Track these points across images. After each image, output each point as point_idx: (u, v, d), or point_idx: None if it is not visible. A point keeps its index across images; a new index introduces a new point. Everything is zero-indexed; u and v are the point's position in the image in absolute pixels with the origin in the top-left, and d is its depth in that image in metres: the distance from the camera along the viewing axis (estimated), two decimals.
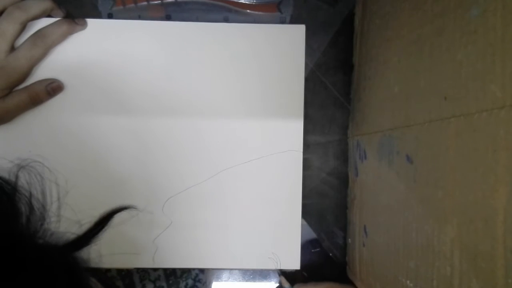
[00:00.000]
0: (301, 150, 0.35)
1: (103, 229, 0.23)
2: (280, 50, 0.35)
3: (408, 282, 0.24)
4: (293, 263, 0.35)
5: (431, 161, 0.22)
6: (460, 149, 0.19)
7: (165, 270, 0.36)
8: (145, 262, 0.35)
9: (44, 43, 0.32)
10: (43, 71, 0.33)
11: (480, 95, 0.17)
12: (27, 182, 0.20)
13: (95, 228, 0.22)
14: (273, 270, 0.36)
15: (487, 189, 0.17)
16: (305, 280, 0.35)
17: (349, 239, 0.36)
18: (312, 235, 0.37)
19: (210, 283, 0.37)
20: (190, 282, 0.37)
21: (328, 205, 0.37)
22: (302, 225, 0.35)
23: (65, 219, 0.35)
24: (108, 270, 0.36)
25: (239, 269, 0.36)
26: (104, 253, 0.34)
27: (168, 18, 0.35)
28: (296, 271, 0.35)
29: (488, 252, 0.17)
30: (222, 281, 0.37)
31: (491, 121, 0.17)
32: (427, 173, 0.22)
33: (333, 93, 0.36)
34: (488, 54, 0.17)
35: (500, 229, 0.16)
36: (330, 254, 0.37)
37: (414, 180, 0.23)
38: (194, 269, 0.36)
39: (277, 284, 0.37)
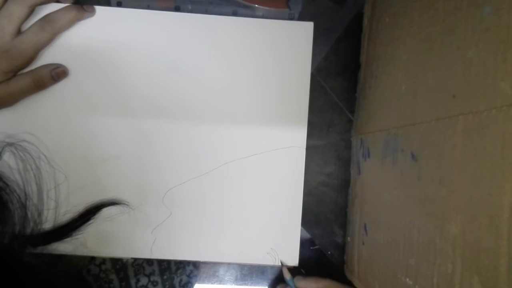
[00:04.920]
0: (304, 146, 0.35)
1: (88, 222, 0.20)
2: (287, 46, 0.35)
3: (407, 279, 0.24)
4: (292, 259, 0.35)
5: (436, 159, 0.22)
6: (467, 147, 0.19)
7: (160, 265, 0.36)
8: (143, 253, 0.34)
9: (52, 28, 0.32)
10: (49, 56, 0.33)
11: (490, 92, 0.18)
12: (20, 174, 0.18)
13: (78, 220, 0.20)
14: (271, 266, 0.36)
15: (494, 186, 0.17)
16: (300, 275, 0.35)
17: (348, 238, 0.36)
18: (311, 233, 0.37)
19: (205, 279, 0.37)
20: (184, 278, 0.36)
21: (326, 206, 0.37)
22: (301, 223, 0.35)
23: (64, 207, 0.34)
24: (103, 262, 0.36)
25: (236, 264, 0.36)
26: (101, 243, 0.34)
27: (177, 9, 0.35)
28: (295, 267, 0.35)
29: (492, 248, 0.17)
30: (219, 274, 0.37)
31: (500, 118, 0.17)
32: (432, 171, 0.22)
33: (332, 98, 0.37)
34: (499, 52, 0.17)
35: (505, 226, 0.17)
36: (329, 252, 0.37)
37: (418, 178, 0.23)
38: (188, 265, 0.36)
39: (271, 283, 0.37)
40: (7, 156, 0.19)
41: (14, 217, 0.17)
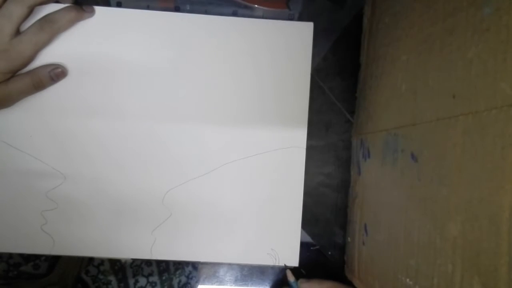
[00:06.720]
0: (304, 147, 0.35)
1: None
2: (287, 47, 0.35)
3: (407, 280, 0.24)
4: (292, 260, 0.35)
5: (436, 159, 0.22)
6: (467, 147, 0.19)
7: (158, 266, 0.36)
8: (143, 254, 0.34)
9: (51, 29, 0.32)
10: (48, 57, 0.33)
11: (490, 92, 0.18)
12: None
13: None
14: (271, 267, 0.36)
15: (494, 186, 0.17)
16: (303, 278, 0.35)
17: (349, 238, 0.36)
18: (311, 233, 0.37)
19: (205, 279, 0.37)
20: (183, 279, 0.36)
21: (326, 206, 0.37)
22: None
23: (64, 208, 0.34)
24: (101, 263, 0.36)
25: (237, 264, 0.36)
26: (100, 243, 0.34)
27: (177, 9, 0.35)
28: (295, 268, 0.35)
29: (492, 249, 0.17)
30: (219, 274, 0.37)
31: (500, 119, 0.17)
32: (432, 171, 0.22)
33: (330, 99, 0.37)
34: (499, 52, 0.17)
35: (505, 226, 0.17)
36: (329, 253, 0.37)
37: (418, 178, 0.23)
38: (187, 266, 0.36)
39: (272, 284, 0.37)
40: None
41: None
